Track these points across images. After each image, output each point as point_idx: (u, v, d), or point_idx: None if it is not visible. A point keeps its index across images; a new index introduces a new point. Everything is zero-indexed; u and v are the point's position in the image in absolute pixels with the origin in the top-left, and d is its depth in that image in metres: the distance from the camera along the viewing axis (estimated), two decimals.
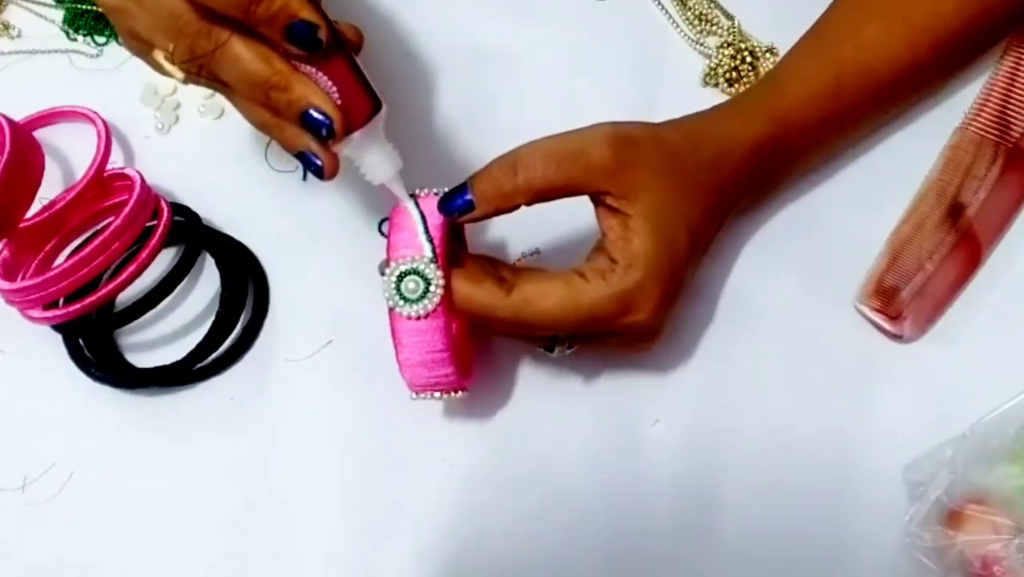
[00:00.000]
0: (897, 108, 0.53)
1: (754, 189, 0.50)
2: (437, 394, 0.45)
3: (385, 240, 0.44)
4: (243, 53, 0.40)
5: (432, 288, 0.43)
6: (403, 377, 0.45)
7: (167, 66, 0.41)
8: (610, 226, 0.44)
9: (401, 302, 0.43)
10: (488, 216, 0.44)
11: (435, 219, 0.44)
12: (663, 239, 0.44)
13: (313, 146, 0.42)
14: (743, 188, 0.49)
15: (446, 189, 0.45)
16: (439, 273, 0.43)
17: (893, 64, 0.50)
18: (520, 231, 0.52)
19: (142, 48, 0.42)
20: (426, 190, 0.45)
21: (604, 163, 0.44)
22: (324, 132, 0.41)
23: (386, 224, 0.45)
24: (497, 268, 0.45)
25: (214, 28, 0.40)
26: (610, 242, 0.44)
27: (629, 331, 0.45)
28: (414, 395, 0.46)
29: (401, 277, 0.43)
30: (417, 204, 0.44)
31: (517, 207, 0.44)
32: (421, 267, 0.43)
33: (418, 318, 0.43)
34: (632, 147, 0.44)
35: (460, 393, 0.46)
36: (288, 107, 0.41)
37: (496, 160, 0.44)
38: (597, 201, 0.45)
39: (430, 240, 0.43)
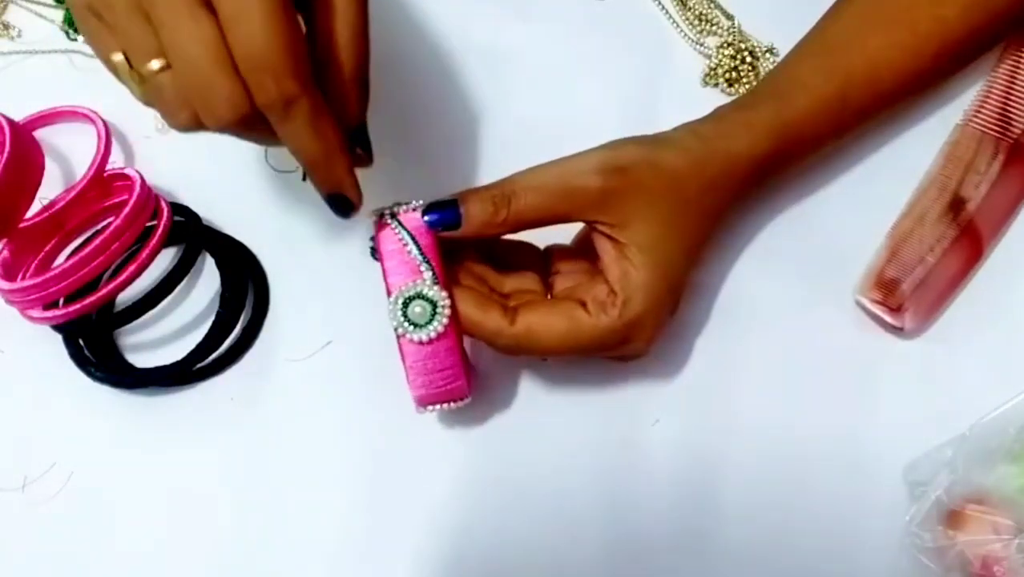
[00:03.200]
0: (901, 107, 0.53)
1: (751, 196, 0.50)
2: (444, 406, 0.45)
3: (378, 265, 0.44)
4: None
5: (439, 310, 0.43)
6: (412, 394, 0.45)
7: (127, 78, 0.37)
8: (605, 250, 0.44)
9: (410, 328, 0.43)
10: (471, 238, 0.44)
11: (424, 237, 0.43)
12: (661, 268, 0.44)
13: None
14: (742, 199, 0.48)
15: (422, 202, 0.44)
16: (444, 294, 0.43)
17: (898, 71, 0.49)
18: None
19: (100, 35, 0.38)
20: (404, 206, 0.44)
21: (593, 194, 0.43)
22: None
23: (372, 244, 0.44)
24: (492, 287, 0.46)
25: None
26: (606, 267, 0.44)
27: (624, 355, 0.46)
28: (420, 409, 0.46)
29: (406, 303, 0.43)
30: (402, 224, 0.43)
31: (502, 234, 0.45)
32: (425, 290, 0.43)
33: (429, 342, 0.43)
34: (623, 176, 0.44)
35: (465, 401, 0.46)
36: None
37: (490, 186, 0.44)
38: (591, 227, 0.45)
39: (427, 261, 0.43)
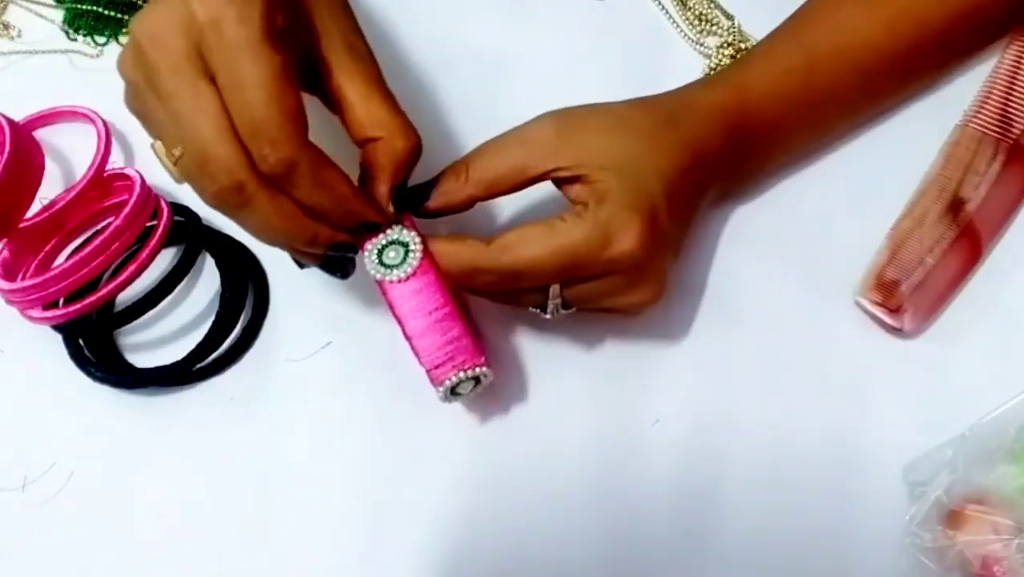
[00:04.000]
0: (887, 97, 0.53)
1: (732, 164, 0.49)
2: (462, 375, 0.44)
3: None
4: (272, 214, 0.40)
5: (412, 248, 0.44)
6: (421, 364, 0.44)
7: (165, 161, 0.40)
8: (574, 191, 0.45)
9: (386, 270, 0.44)
10: (443, 209, 0.45)
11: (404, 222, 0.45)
12: (630, 180, 0.44)
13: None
14: (716, 157, 0.48)
15: None
16: (414, 234, 0.44)
17: (871, 47, 0.50)
18: None
19: (144, 125, 0.41)
20: None
21: (546, 139, 0.45)
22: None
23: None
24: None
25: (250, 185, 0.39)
26: (578, 197, 0.45)
27: (617, 269, 0.44)
28: (440, 389, 0.44)
29: (381, 252, 0.44)
30: None
31: (472, 202, 0.45)
32: (396, 236, 0.44)
33: (407, 279, 0.44)
34: (572, 120, 0.45)
35: (485, 370, 0.45)
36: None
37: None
38: (556, 182, 0.45)
39: (398, 221, 0.45)
